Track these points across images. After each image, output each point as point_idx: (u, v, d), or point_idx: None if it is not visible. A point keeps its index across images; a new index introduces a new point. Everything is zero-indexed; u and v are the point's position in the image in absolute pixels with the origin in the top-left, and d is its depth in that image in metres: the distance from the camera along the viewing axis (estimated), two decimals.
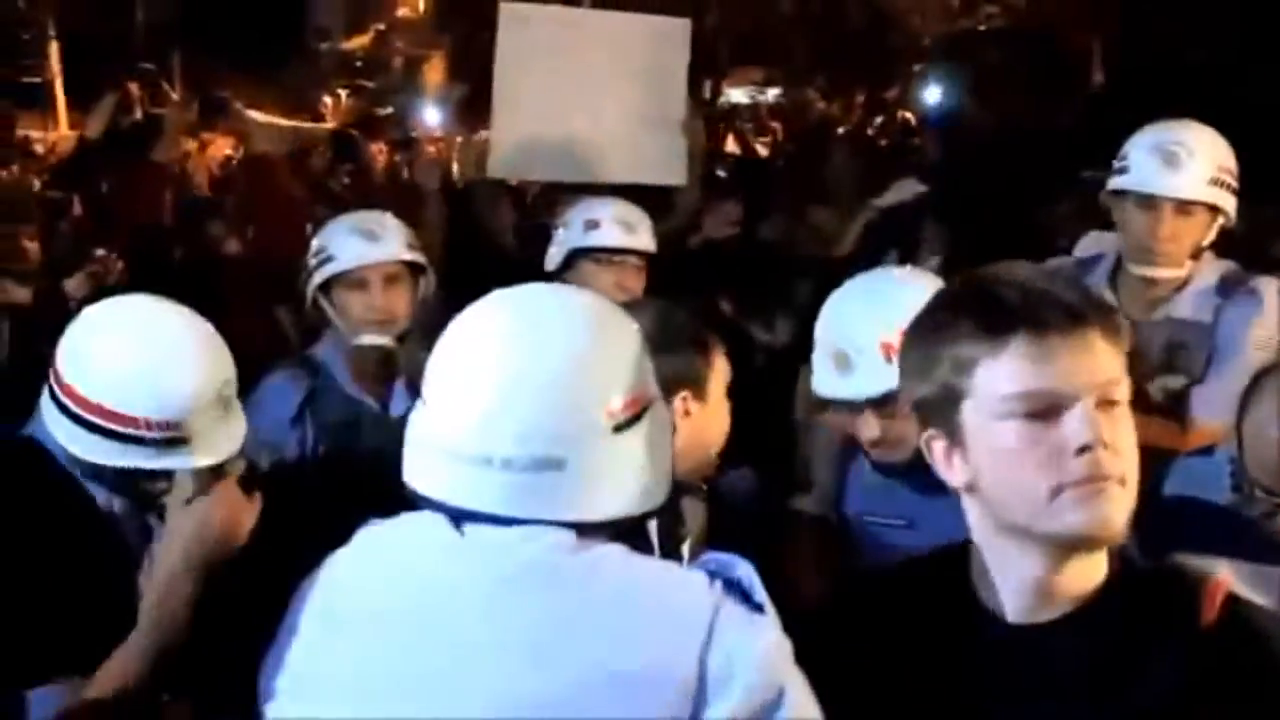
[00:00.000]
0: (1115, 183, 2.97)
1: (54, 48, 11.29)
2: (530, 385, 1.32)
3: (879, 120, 10.16)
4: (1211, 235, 2.93)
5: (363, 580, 1.38)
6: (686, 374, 1.94)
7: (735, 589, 1.31)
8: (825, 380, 2.26)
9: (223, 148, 7.85)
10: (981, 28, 12.16)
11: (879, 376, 2.15)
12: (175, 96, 6.87)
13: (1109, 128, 3.24)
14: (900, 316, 2.32)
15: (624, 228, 3.29)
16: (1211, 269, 2.93)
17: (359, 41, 18.48)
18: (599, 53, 4.11)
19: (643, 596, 1.31)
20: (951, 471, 1.36)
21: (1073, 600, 1.34)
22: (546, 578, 1.31)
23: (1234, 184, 2.92)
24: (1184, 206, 2.88)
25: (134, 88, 7.57)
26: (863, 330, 2.20)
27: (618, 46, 4.13)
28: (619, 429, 1.34)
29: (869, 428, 2.24)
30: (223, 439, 2.01)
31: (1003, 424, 1.29)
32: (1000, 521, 1.33)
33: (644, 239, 3.30)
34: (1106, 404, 1.28)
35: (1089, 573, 1.34)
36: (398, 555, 1.37)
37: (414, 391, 2.74)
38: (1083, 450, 1.26)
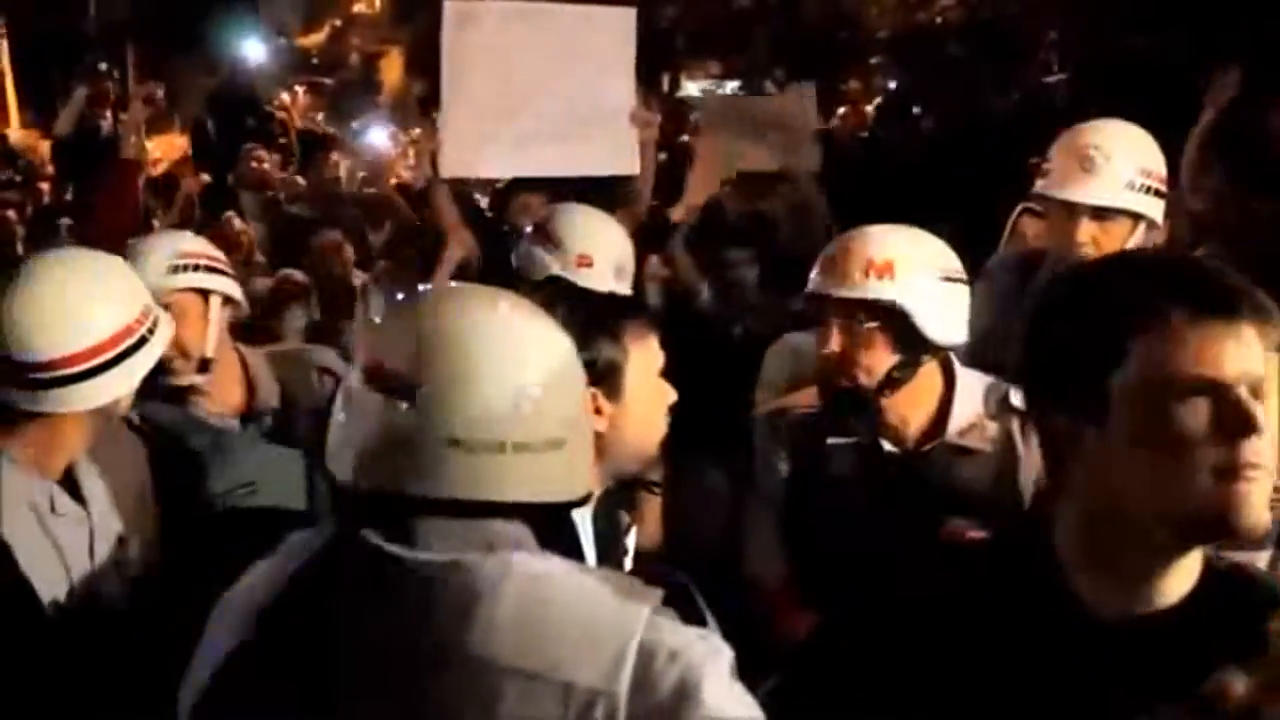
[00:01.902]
0: (1037, 185, 2.95)
1: (3, 45, 11.13)
2: (537, 371, 1.37)
3: (840, 112, 10.18)
4: (1136, 239, 2.89)
5: (286, 609, 1.36)
6: (595, 369, 1.85)
7: (678, 600, 1.32)
8: (815, 279, 2.39)
9: (176, 148, 7.78)
10: (938, 20, 12.20)
11: (856, 283, 2.30)
12: (137, 91, 6.90)
13: (1061, 118, 3.24)
14: (900, 248, 2.38)
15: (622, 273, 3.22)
16: None
17: (315, 38, 18.31)
18: (545, 46, 4.08)
19: (575, 614, 1.31)
20: (1076, 451, 1.34)
21: (1170, 597, 1.34)
22: (477, 601, 1.30)
23: (1159, 187, 2.88)
24: (1100, 212, 2.85)
25: (108, 85, 7.46)
26: (856, 240, 2.34)
27: (563, 39, 4.10)
28: (589, 410, 1.48)
29: (830, 339, 2.33)
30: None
31: (1154, 401, 1.28)
32: (1130, 504, 1.31)
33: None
34: (1256, 396, 1.28)
35: (1187, 573, 1.34)
36: (323, 591, 1.36)
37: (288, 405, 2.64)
38: (1245, 435, 1.26)
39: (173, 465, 2.33)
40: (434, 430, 1.32)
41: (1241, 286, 1.30)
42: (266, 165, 7.38)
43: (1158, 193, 2.88)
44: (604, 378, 1.86)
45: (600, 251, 3.16)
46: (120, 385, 2.04)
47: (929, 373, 2.41)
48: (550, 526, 1.42)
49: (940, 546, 1.57)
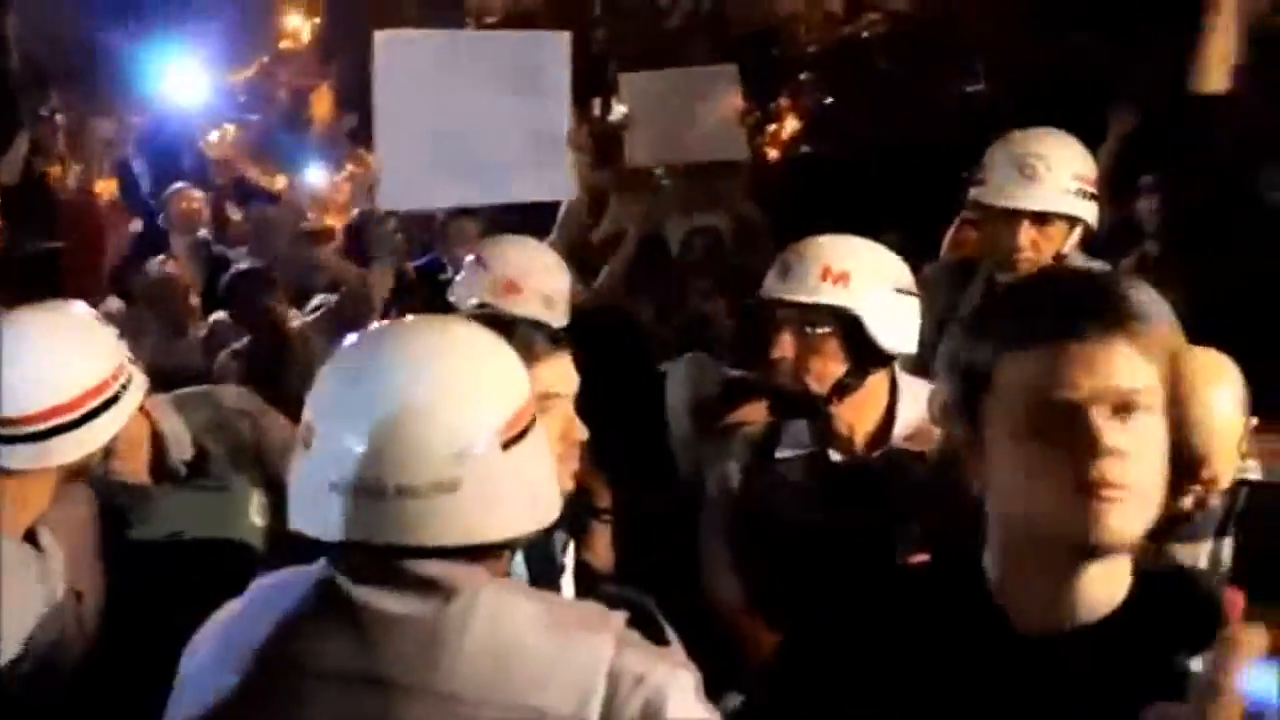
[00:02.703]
0: (975, 194, 3.03)
1: None
2: (420, 409, 1.32)
3: (769, 129, 10.25)
4: (1072, 241, 2.99)
5: (252, 644, 1.36)
6: None
7: (641, 621, 1.33)
8: (770, 284, 2.43)
9: (104, 190, 7.68)
10: (864, 34, 12.34)
11: (812, 289, 2.35)
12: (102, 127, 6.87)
13: (988, 129, 3.30)
14: (857, 258, 2.40)
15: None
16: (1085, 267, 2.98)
17: (243, 75, 18.16)
18: (478, 73, 4.07)
19: (544, 644, 1.32)
20: (974, 474, 1.37)
21: (1095, 610, 1.34)
22: (442, 638, 1.31)
23: (1092, 190, 2.98)
24: (1041, 217, 2.94)
25: (53, 132, 7.36)
26: (814, 248, 2.40)
27: (497, 65, 4.09)
28: (507, 446, 1.36)
29: (783, 344, 2.34)
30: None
31: (1017, 424, 1.30)
32: (1016, 525, 1.34)
33: None
34: (1124, 410, 1.28)
35: (1112, 582, 1.34)
36: (289, 627, 1.36)
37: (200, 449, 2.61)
38: (1094, 455, 1.26)
39: (104, 521, 2.31)
40: (322, 475, 1.33)
41: (1105, 299, 1.31)
42: (197, 206, 7.31)
43: (1091, 196, 2.97)
44: None
45: (528, 279, 3.15)
46: (92, 442, 2.03)
47: (877, 382, 2.45)
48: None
49: (891, 569, 1.59)
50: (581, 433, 1.87)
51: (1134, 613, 1.35)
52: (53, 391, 1.99)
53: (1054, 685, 1.33)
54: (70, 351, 2.04)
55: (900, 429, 2.46)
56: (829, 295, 2.37)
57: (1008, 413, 1.31)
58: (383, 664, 1.30)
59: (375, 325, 1.50)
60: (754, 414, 2.61)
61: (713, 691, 2.19)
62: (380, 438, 1.32)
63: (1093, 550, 1.31)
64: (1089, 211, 3.00)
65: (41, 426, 1.98)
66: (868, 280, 2.39)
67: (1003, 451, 1.32)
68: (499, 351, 1.44)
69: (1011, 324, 1.32)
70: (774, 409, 2.57)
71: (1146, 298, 1.33)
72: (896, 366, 2.52)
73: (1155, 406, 1.30)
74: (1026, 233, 2.96)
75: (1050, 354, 1.29)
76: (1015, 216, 2.97)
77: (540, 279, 3.20)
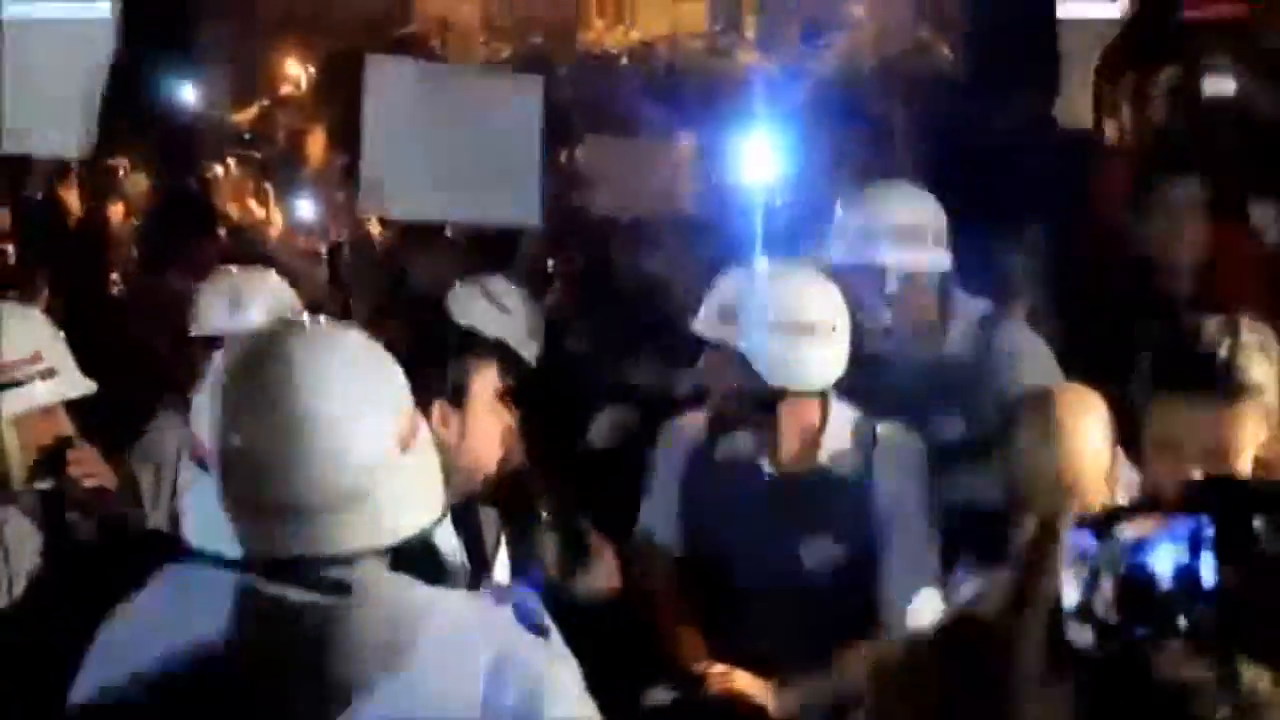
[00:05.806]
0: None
1: None
2: (325, 427, 1.24)
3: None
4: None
5: (160, 633, 1.29)
6: (441, 383, 1.86)
7: (523, 615, 1.30)
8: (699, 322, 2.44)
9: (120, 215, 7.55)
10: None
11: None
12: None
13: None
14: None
15: None
16: (970, 308, 2.91)
17: (246, 115, 18.07)
18: (460, 103, 4.10)
19: (438, 632, 1.29)
20: None
21: None
22: (340, 628, 1.26)
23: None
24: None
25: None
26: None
27: (477, 96, 4.14)
28: (405, 449, 1.30)
29: (713, 373, 2.45)
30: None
31: None
32: None
33: None
34: None
35: None
36: (195, 618, 1.30)
37: None
38: None
39: None
40: (229, 495, 1.26)
41: None
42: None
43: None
44: (450, 391, 1.86)
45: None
46: None
47: (807, 404, 2.43)
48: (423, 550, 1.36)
49: None
50: (508, 416, 1.91)
51: None
52: None
53: None
54: None
55: (825, 450, 2.45)
56: None
57: None
58: (287, 649, 1.24)
59: (254, 336, 1.37)
60: (696, 420, 2.63)
61: (639, 685, 2.15)
62: (289, 457, 1.23)
63: None
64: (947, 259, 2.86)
65: None
66: None
67: None
68: (381, 356, 1.36)
69: None
70: (713, 423, 2.56)
71: None
72: (831, 392, 2.50)
73: None
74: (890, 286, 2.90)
75: None
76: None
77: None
